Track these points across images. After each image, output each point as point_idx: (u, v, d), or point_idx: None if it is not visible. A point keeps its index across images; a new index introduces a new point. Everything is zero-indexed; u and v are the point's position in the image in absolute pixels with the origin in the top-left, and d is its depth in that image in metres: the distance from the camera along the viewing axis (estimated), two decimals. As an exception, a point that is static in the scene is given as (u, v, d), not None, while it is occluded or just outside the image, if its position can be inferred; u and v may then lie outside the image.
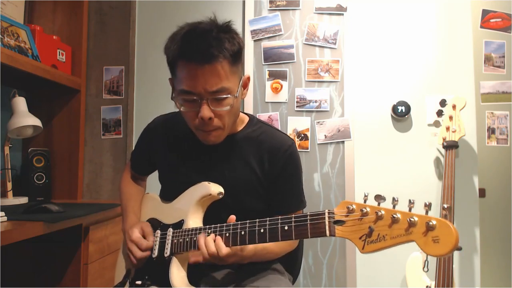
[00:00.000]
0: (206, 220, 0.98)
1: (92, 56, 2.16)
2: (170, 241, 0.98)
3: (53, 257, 1.47)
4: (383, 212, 0.68)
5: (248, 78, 1.03)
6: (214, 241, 0.87)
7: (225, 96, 0.92)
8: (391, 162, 2.02)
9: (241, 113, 1.10)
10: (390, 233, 0.67)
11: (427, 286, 1.75)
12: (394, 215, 0.67)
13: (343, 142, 2.04)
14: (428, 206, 0.66)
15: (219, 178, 1.01)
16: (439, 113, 2.00)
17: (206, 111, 0.91)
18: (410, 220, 0.65)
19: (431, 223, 0.63)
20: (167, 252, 0.97)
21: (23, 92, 1.94)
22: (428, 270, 1.75)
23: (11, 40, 1.67)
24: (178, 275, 0.94)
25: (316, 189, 2.02)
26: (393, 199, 0.70)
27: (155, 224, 1.07)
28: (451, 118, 1.85)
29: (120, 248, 1.17)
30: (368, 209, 0.70)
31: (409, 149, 2.02)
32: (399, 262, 1.89)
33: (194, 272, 0.98)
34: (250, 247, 0.92)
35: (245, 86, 1.02)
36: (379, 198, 0.70)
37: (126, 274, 1.06)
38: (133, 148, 1.24)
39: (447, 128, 1.85)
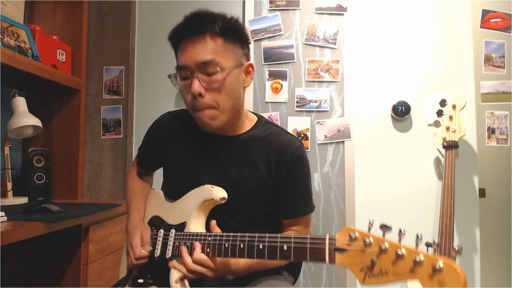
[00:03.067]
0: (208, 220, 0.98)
1: (92, 56, 2.16)
2: (172, 242, 0.98)
3: (53, 257, 1.47)
4: (387, 245, 0.65)
5: (251, 66, 1.01)
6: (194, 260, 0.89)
7: (215, 70, 0.91)
8: (391, 162, 2.02)
9: (249, 112, 1.10)
10: (393, 269, 0.64)
11: None
12: (399, 252, 0.64)
13: (343, 142, 2.04)
14: (436, 245, 0.63)
15: (224, 178, 1.01)
16: (439, 113, 2.00)
17: (195, 85, 0.91)
18: (415, 259, 0.62)
19: (437, 265, 0.60)
20: (169, 254, 0.98)
21: (23, 92, 1.95)
22: (428, 270, 1.75)
23: (11, 40, 1.67)
24: (178, 276, 0.94)
25: (316, 189, 2.02)
26: (400, 231, 0.66)
27: (159, 222, 1.07)
28: (451, 118, 1.85)
29: (124, 246, 1.17)
30: (372, 240, 0.67)
31: (409, 149, 2.02)
32: (399, 262, 1.89)
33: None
34: (242, 261, 0.92)
35: (248, 73, 1.01)
36: (384, 228, 0.67)
37: (128, 272, 1.07)
38: (140, 144, 1.25)
39: (447, 128, 1.85)
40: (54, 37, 1.96)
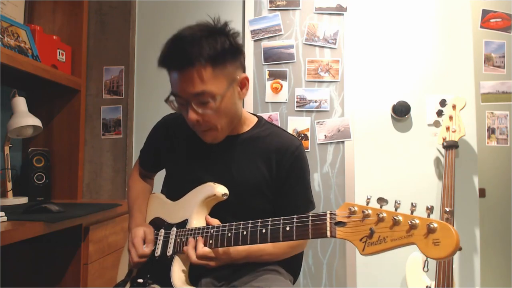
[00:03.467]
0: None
1: (92, 56, 2.16)
2: (173, 240, 0.99)
3: (53, 257, 1.47)
4: (384, 214, 0.68)
5: (246, 78, 1.01)
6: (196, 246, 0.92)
7: (207, 99, 0.92)
8: (391, 162, 2.02)
9: (249, 114, 1.11)
10: (391, 235, 0.67)
11: (427, 286, 1.75)
12: (396, 217, 0.67)
13: (343, 142, 2.04)
14: (430, 210, 0.67)
15: (225, 177, 1.02)
16: (439, 113, 2.00)
17: (191, 114, 0.93)
18: (411, 222, 0.65)
19: (432, 225, 0.63)
20: (170, 251, 0.98)
21: (23, 92, 1.94)
22: (428, 270, 1.74)
23: (11, 40, 1.67)
24: (179, 274, 0.94)
25: (316, 189, 2.02)
26: (395, 202, 0.70)
27: (160, 223, 1.07)
28: (451, 118, 1.85)
29: (125, 245, 1.17)
30: (370, 211, 0.70)
31: (409, 149, 2.02)
32: (399, 262, 1.89)
33: (195, 272, 0.98)
34: (242, 248, 0.94)
35: (242, 86, 1.01)
36: (381, 201, 0.71)
37: (128, 273, 1.07)
38: (137, 143, 1.26)
39: (447, 128, 1.85)
40: (54, 37, 1.96)
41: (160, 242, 1.02)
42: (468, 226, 1.96)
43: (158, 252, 1.01)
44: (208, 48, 0.89)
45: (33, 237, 1.16)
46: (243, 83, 1.01)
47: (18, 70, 1.60)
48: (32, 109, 1.75)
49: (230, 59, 0.95)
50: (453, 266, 1.68)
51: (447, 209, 0.69)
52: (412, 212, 0.68)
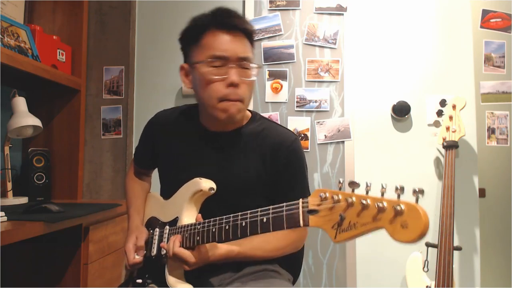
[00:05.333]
0: (204, 217, 0.97)
1: (92, 56, 2.16)
2: (166, 239, 0.99)
3: (53, 257, 1.47)
4: (354, 199, 0.65)
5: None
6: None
7: (248, 67, 0.97)
8: (391, 162, 2.02)
9: None
10: (359, 220, 0.63)
11: (427, 286, 1.75)
12: (363, 201, 0.63)
13: (343, 142, 2.04)
14: (400, 190, 0.61)
15: (219, 173, 1.01)
16: (439, 113, 2.00)
17: (234, 75, 0.95)
18: (378, 205, 0.61)
19: (399, 207, 0.59)
20: (164, 251, 0.98)
21: (23, 92, 1.94)
22: (428, 270, 1.75)
23: (11, 40, 1.67)
24: (173, 273, 0.94)
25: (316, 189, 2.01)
26: (366, 184, 0.66)
27: (154, 222, 1.08)
28: (451, 118, 1.85)
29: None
30: (340, 196, 0.67)
31: (409, 149, 2.02)
32: (399, 262, 1.89)
33: (195, 271, 0.98)
34: (222, 251, 0.94)
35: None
36: (353, 184, 0.67)
37: (129, 275, 1.07)
38: (137, 143, 1.26)
39: (447, 128, 1.85)
40: (54, 37, 1.96)
41: (155, 242, 1.02)
42: (468, 226, 1.96)
43: (154, 251, 1.01)
44: (248, 25, 1.00)
45: (33, 237, 1.16)
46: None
47: (18, 70, 1.60)
48: (32, 109, 1.75)
49: (253, 47, 1.03)
50: (453, 266, 1.68)
51: (416, 189, 0.63)
52: (382, 194, 0.63)
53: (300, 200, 0.74)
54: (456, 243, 1.82)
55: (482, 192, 2.24)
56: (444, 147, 1.84)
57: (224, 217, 0.87)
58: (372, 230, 0.62)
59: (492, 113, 2.16)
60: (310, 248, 2.01)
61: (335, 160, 2.03)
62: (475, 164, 1.99)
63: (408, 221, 0.58)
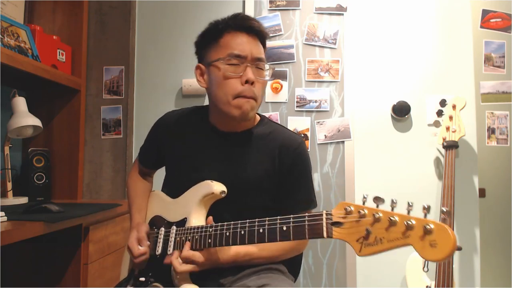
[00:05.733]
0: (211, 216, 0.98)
1: (92, 56, 2.16)
2: (173, 239, 0.99)
3: (53, 257, 1.47)
4: (380, 214, 0.67)
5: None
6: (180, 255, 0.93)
7: (263, 67, 1.03)
8: (391, 162, 2.02)
9: None
10: (387, 236, 0.65)
11: (427, 286, 1.75)
12: (392, 218, 0.65)
13: (343, 142, 2.04)
14: (427, 209, 0.65)
15: (227, 174, 1.02)
16: (439, 113, 2.00)
17: (250, 74, 0.99)
18: (407, 223, 0.63)
19: (428, 226, 0.61)
20: (170, 250, 0.98)
21: (23, 92, 1.94)
22: (428, 270, 1.75)
23: (11, 40, 1.67)
24: (180, 273, 0.94)
25: (316, 189, 2.02)
26: (392, 201, 0.68)
27: (160, 221, 1.08)
28: (451, 118, 1.85)
29: (125, 246, 1.17)
30: (366, 211, 0.69)
31: (409, 149, 2.02)
32: (399, 262, 1.89)
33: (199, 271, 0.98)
34: (231, 253, 0.95)
35: None
36: (378, 200, 0.69)
37: (130, 273, 1.07)
38: (137, 143, 1.26)
39: (447, 128, 1.85)
40: (54, 37, 1.96)
41: (160, 241, 1.02)
42: (468, 226, 1.96)
43: (159, 251, 1.01)
44: (263, 29, 1.06)
45: (33, 237, 1.16)
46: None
47: (18, 70, 1.60)
48: (32, 109, 1.75)
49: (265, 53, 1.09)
50: (453, 266, 1.69)
51: (444, 209, 0.66)
52: (408, 212, 0.66)
53: (324, 211, 0.75)
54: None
55: (482, 192, 2.24)
56: (444, 147, 1.84)
57: (239, 222, 0.88)
58: (399, 246, 0.65)
59: (492, 113, 2.16)
60: (310, 248, 2.01)
61: (335, 160, 2.03)
62: (475, 164, 1.99)
63: (438, 241, 0.61)
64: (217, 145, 1.07)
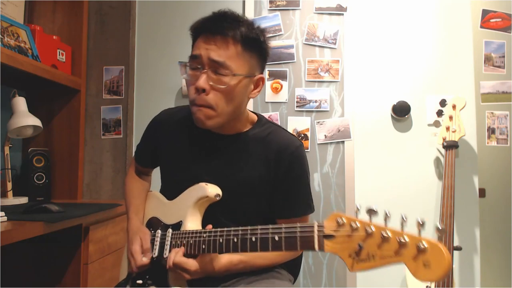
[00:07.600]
0: (207, 222, 0.98)
1: (92, 56, 2.16)
2: (169, 242, 0.98)
3: (53, 257, 1.47)
4: (373, 229, 0.64)
5: (262, 79, 1.01)
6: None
7: (224, 72, 0.92)
8: (391, 162, 2.02)
9: (250, 112, 1.09)
10: (379, 253, 0.63)
11: (427, 286, 1.75)
12: (384, 234, 0.63)
13: (343, 142, 2.04)
14: (421, 226, 0.61)
15: (222, 177, 1.01)
16: (439, 113, 2.01)
17: (202, 80, 0.92)
18: (400, 240, 0.61)
19: (422, 245, 0.59)
20: (166, 253, 0.97)
21: (23, 92, 1.95)
22: (428, 270, 1.74)
23: (11, 40, 1.67)
24: (176, 276, 0.94)
25: (316, 189, 2.02)
26: (385, 214, 0.65)
27: (156, 223, 1.07)
28: (451, 118, 1.85)
29: (125, 246, 1.17)
30: (359, 225, 0.66)
31: (409, 149, 2.02)
32: (399, 262, 1.89)
33: None
34: (224, 261, 0.93)
35: (256, 85, 1.01)
36: (371, 212, 0.66)
37: (127, 275, 1.07)
38: (137, 143, 1.25)
39: (447, 128, 1.85)
40: (54, 37, 1.96)
41: (157, 244, 1.02)
42: (468, 226, 1.96)
43: (155, 253, 1.00)
44: (245, 29, 0.94)
45: (33, 237, 1.16)
46: (258, 83, 1.02)
47: (18, 70, 1.60)
48: (32, 109, 1.75)
49: (257, 54, 0.99)
50: (453, 266, 1.69)
51: (439, 227, 0.63)
52: (402, 227, 0.63)
53: (315, 222, 0.73)
54: (456, 243, 1.82)
55: (482, 192, 2.24)
56: (444, 147, 1.84)
57: (232, 229, 0.86)
58: (392, 264, 0.62)
59: (492, 113, 2.16)
60: (310, 248, 2.01)
61: (335, 160, 2.03)
62: (475, 164, 1.99)
63: (431, 260, 0.58)
64: (211, 147, 1.04)
